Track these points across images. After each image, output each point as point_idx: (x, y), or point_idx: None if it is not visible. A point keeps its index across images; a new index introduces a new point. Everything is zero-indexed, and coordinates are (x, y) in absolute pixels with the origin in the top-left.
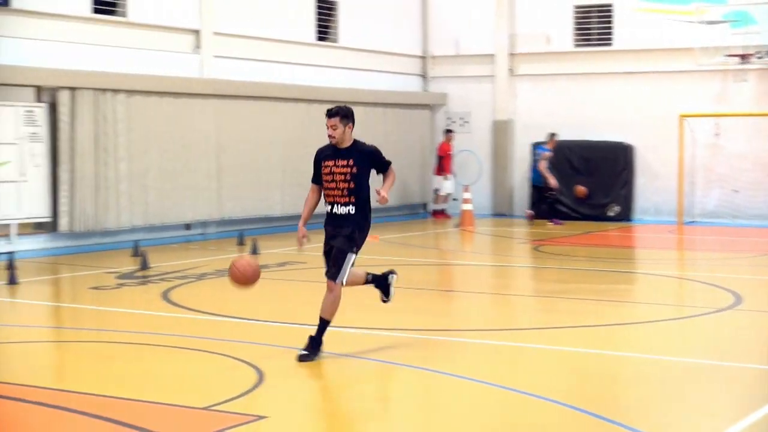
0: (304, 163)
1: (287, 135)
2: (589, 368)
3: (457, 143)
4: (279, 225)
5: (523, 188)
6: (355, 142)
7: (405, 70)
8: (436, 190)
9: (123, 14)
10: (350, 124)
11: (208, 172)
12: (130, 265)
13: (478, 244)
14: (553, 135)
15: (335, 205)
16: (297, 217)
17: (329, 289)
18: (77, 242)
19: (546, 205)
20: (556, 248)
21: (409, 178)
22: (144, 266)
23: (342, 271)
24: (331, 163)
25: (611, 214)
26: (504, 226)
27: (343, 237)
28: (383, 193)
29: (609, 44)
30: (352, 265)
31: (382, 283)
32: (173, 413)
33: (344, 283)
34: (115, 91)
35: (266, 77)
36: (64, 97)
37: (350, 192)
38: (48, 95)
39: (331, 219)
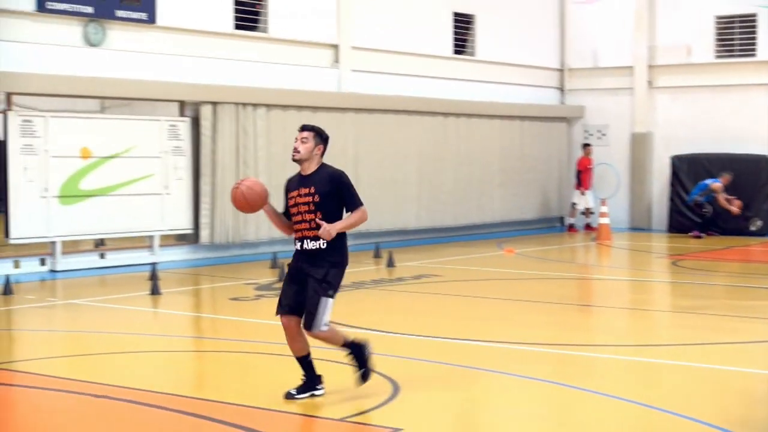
0: (440, 177)
1: (423, 148)
2: (730, 386)
3: (595, 156)
4: (414, 238)
5: (661, 202)
6: (322, 166)
7: (542, 83)
8: (574, 204)
9: (264, 30)
10: (321, 146)
11: None
12: (268, 276)
13: (616, 258)
14: (726, 174)
15: (304, 241)
16: (433, 230)
17: (289, 331)
18: (217, 254)
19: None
20: (696, 263)
21: (546, 192)
22: (282, 278)
23: (317, 318)
24: (295, 193)
25: (753, 228)
26: (642, 240)
27: (315, 280)
28: (327, 226)
29: (752, 55)
30: (331, 311)
31: (359, 352)
32: (309, 424)
33: (323, 329)
34: (255, 105)
35: (403, 91)
36: (206, 112)
37: (317, 224)
38: (191, 110)
39: (300, 256)
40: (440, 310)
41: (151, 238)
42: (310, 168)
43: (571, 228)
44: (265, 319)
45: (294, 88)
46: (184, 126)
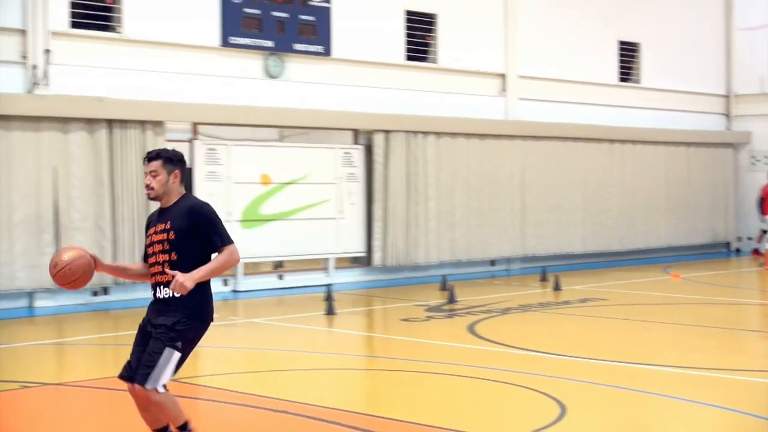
0: (605, 202)
1: (589, 174)
2: None
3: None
4: (580, 262)
5: None
6: (183, 197)
7: (707, 109)
8: (765, 232)
9: (433, 60)
10: (177, 172)
11: (512, 210)
12: (438, 298)
13: None
14: None
15: (157, 288)
16: (598, 255)
17: (139, 399)
18: (389, 276)
19: None
20: None
21: (712, 217)
22: (451, 300)
23: (154, 372)
24: (151, 231)
25: None
26: None
27: (162, 327)
28: (182, 277)
29: None
30: (175, 369)
31: None
32: None
33: (159, 389)
34: (426, 133)
35: (569, 118)
36: (379, 140)
37: (172, 266)
38: (364, 138)
39: (153, 306)
40: (606, 333)
41: (326, 260)
42: (170, 201)
43: (756, 253)
44: (435, 340)
45: (462, 117)
46: (357, 153)
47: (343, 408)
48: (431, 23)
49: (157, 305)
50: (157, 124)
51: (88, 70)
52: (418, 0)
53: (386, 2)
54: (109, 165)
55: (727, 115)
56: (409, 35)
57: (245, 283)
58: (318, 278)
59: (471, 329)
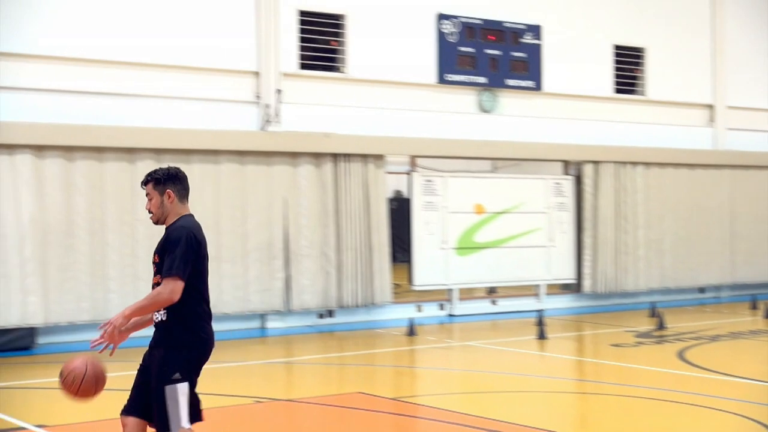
0: None
1: None
2: None
3: None
4: None
5: None
6: (180, 218)
7: None
8: None
9: (641, 93)
10: (170, 191)
11: (722, 238)
12: (647, 324)
13: None
14: None
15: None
16: None
17: None
18: (598, 302)
19: None
20: None
21: None
22: (660, 326)
23: (171, 419)
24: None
25: None
26: None
27: (156, 366)
28: (112, 319)
29: None
30: (187, 401)
31: None
32: None
33: (184, 425)
34: (634, 163)
35: None
36: (588, 170)
37: None
38: (574, 168)
39: (154, 333)
40: None
41: (537, 286)
42: (169, 222)
43: None
44: (644, 365)
45: (670, 147)
46: (567, 184)
47: (553, 429)
48: (639, 57)
49: (155, 332)
50: (378, 157)
51: (315, 108)
52: (627, 35)
53: (595, 38)
54: (334, 196)
55: None
56: (617, 69)
57: (460, 307)
58: (529, 304)
59: (680, 356)
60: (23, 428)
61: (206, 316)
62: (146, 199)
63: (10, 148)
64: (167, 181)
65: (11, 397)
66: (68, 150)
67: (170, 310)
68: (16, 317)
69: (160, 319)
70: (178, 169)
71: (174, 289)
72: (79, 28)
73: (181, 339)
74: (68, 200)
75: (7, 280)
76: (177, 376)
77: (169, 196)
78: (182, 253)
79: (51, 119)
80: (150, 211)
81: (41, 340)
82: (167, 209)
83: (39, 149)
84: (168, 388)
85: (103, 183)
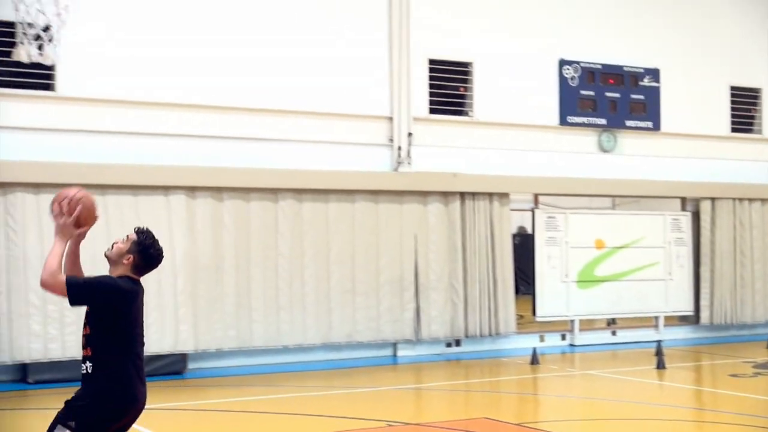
0: None
1: None
2: None
3: None
4: None
5: None
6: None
7: None
8: None
9: (758, 132)
10: (134, 257)
11: None
12: (764, 355)
13: None
14: None
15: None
16: None
17: None
18: (716, 334)
19: None
20: None
21: None
22: None
23: None
24: None
25: None
26: None
27: (64, 405)
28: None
29: None
30: None
31: None
32: None
33: None
34: (751, 200)
35: None
36: (705, 206)
37: (86, 339)
38: (691, 205)
39: None
40: None
41: (656, 318)
42: (114, 273)
43: None
44: (763, 396)
45: None
46: (685, 219)
47: None
48: (755, 97)
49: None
50: (503, 196)
51: (444, 150)
52: (743, 76)
53: (712, 80)
54: (461, 232)
55: None
56: (733, 108)
57: (581, 337)
58: (648, 335)
59: None
60: None
61: (137, 372)
62: (121, 238)
63: (166, 189)
64: (142, 251)
65: (164, 418)
66: (218, 191)
67: (96, 358)
68: (170, 344)
69: (85, 369)
70: (160, 251)
71: (56, 278)
72: (232, 79)
73: (107, 392)
74: (217, 237)
75: (162, 311)
76: (72, 425)
77: (129, 260)
78: (93, 279)
79: (203, 163)
80: (111, 248)
81: (191, 365)
82: (119, 264)
83: (191, 190)
84: (58, 428)
85: (248, 221)
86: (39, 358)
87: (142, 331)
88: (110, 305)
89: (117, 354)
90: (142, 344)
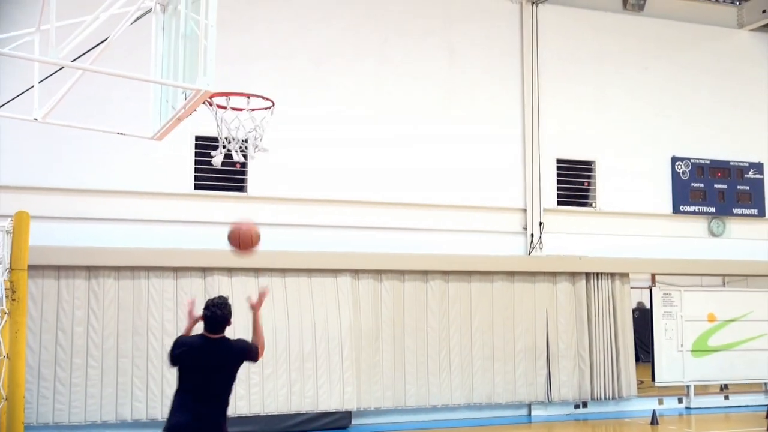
0: None
1: None
2: None
3: None
4: None
5: None
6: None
7: None
8: None
9: None
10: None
11: None
12: None
13: None
14: None
15: None
16: None
17: None
18: None
19: None
20: None
21: None
22: None
23: None
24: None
25: None
26: None
27: None
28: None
29: None
30: None
31: None
32: None
33: None
34: None
35: None
36: None
37: None
38: None
39: None
40: None
41: (765, 384)
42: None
43: None
44: None
45: None
46: None
47: None
48: None
49: None
50: (624, 275)
51: (571, 236)
52: None
53: None
54: (586, 307)
55: None
56: None
57: (696, 401)
58: (759, 399)
59: None
60: None
61: (179, 405)
62: None
63: (335, 272)
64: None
65: None
66: (377, 273)
67: None
68: (337, 403)
69: None
70: (212, 315)
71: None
72: (391, 181)
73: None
74: (376, 312)
75: (330, 374)
76: None
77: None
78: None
79: (365, 249)
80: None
81: (355, 421)
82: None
83: (356, 272)
84: None
85: (403, 298)
86: (229, 413)
87: (203, 375)
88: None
89: (178, 389)
90: (201, 385)
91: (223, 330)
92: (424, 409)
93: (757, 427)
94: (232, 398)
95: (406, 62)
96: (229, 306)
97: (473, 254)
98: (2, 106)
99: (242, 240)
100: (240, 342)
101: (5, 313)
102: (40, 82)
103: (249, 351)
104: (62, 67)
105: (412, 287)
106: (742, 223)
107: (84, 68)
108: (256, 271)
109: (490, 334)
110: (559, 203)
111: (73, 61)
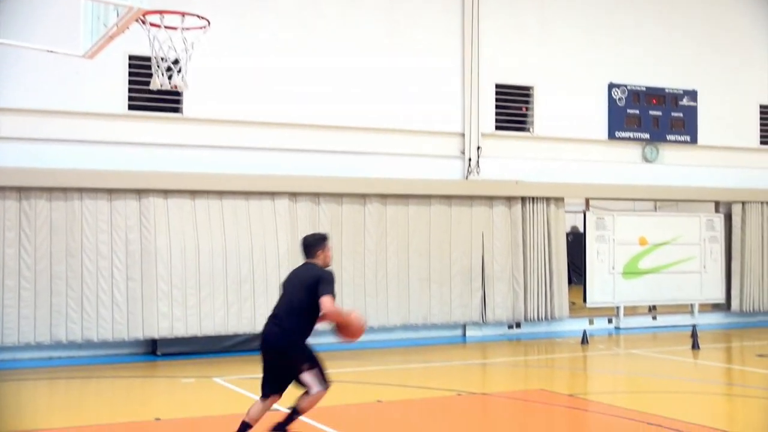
0: None
1: None
2: None
3: None
4: None
5: None
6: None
7: None
8: None
9: None
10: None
11: None
12: None
13: None
14: None
15: None
16: None
17: None
18: (745, 319)
19: None
20: None
21: None
22: None
23: None
24: None
25: None
26: None
27: None
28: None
29: None
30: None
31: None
32: None
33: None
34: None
35: None
36: (737, 209)
37: None
38: (724, 208)
39: None
40: None
41: (691, 305)
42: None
43: None
44: None
45: None
46: (718, 220)
47: (705, 424)
48: None
49: None
50: (558, 200)
51: (507, 161)
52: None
53: (744, 99)
54: (521, 230)
55: None
56: (762, 124)
57: (625, 321)
58: (684, 319)
59: None
60: None
61: (268, 319)
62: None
63: (272, 194)
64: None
65: None
66: (315, 196)
67: None
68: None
69: None
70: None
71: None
72: (328, 105)
73: None
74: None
75: (267, 296)
76: None
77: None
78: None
79: (303, 172)
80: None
81: None
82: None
83: (294, 195)
84: None
85: (341, 221)
86: (166, 334)
87: (284, 297)
88: None
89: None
90: (283, 305)
91: (308, 255)
92: None
93: (683, 346)
94: (168, 320)
95: None
96: (315, 237)
97: (411, 178)
98: None
99: (352, 333)
100: (318, 272)
101: None
102: None
103: (320, 283)
104: None
105: (350, 210)
106: (675, 150)
107: None
108: (193, 194)
109: (427, 257)
110: (497, 128)
111: None
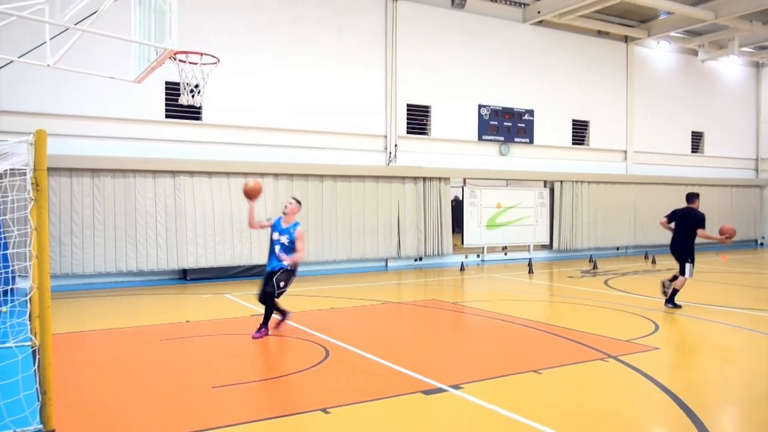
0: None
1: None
2: None
3: None
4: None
5: None
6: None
7: None
8: None
9: (587, 144)
10: (295, 207)
11: (629, 221)
12: (588, 266)
13: None
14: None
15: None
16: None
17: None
18: (562, 255)
19: None
20: None
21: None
22: (595, 267)
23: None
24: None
25: None
26: None
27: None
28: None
29: None
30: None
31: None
32: (606, 341)
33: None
34: (580, 182)
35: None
36: (557, 186)
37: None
38: (549, 184)
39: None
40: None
41: (528, 246)
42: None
43: None
44: (585, 287)
45: (600, 172)
46: (545, 192)
47: (537, 320)
48: (585, 124)
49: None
50: (446, 179)
51: (415, 154)
52: (579, 111)
53: (562, 115)
54: (423, 199)
55: None
56: (574, 131)
57: (488, 256)
58: (524, 255)
59: (606, 283)
60: None
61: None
62: (289, 202)
63: (261, 174)
64: (299, 204)
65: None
66: (290, 176)
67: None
68: (261, 258)
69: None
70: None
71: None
72: (302, 117)
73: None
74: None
75: (260, 240)
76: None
77: (297, 211)
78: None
79: (283, 160)
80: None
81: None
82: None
83: (276, 176)
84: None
85: (306, 193)
86: (192, 266)
87: (275, 238)
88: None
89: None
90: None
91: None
92: (320, 262)
93: (523, 271)
94: (194, 256)
95: (306, 32)
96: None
97: (352, 164)
98: (23, 56)
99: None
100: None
101: (32, 200)
102: (51, 39)
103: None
104: (67, 29)
105: (313, 185)
106: (520, 148)
107: (83, 30)
108: (210, 174)
109: (362, 215)
110: (408, 132)
111: (76, 24)
